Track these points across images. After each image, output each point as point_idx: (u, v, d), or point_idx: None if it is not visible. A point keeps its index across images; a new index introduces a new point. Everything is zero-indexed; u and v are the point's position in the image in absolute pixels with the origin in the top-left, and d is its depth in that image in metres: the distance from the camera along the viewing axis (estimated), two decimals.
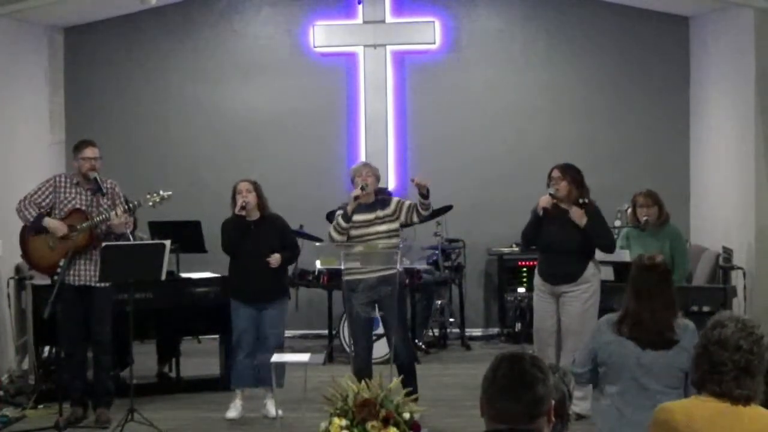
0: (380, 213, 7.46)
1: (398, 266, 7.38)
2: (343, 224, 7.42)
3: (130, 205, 7.69)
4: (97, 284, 7.53)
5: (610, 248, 7.61)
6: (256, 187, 7.80)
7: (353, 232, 7.46)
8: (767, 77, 8.73)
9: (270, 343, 7.74)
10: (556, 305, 7.47)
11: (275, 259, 7.74)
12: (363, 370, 7.19)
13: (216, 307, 8.50)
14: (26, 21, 9.57)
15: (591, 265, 7.48)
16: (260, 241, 7.74)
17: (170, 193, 7.77)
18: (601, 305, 8.01)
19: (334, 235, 7.47)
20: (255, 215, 7.78)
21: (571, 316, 7.40)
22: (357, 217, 7.46)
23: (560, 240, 7.42)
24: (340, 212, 7.54)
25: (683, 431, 3.41)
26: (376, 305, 7.43)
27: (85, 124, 10.44)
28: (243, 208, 7.66)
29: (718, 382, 3.42)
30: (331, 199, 10.35)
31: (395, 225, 7.46)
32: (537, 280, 7.64)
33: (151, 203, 7.71)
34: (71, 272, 7.50)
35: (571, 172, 7.49)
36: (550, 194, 7.43)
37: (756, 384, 3.45)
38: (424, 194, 7.36)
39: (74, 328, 7.57)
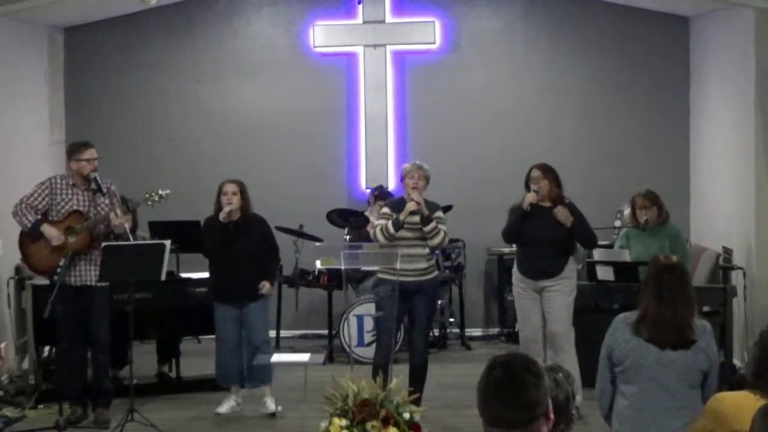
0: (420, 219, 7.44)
1: (435, 272, 7.60)
2: (392, 231, 7.38)
3: (129, 204, 7.70)
4: (96, 284, 7.53)
5: (593, 244, 7.90)
6: (242, 189, 7.83)
7: (398, 233, 7.44)
8: (767, 77, 8.73)
9: (257, 341, 7.77)
10: (540, 301, 7.57)
11: (267, 288, 7.85)
12: (384, 365, 7.19)
13: None
14: (26, 21, 9.57)
15: (570, 261, 7.65)
16: (240, 243, 7.77)
17: (168, 191, 7.78)
18: (602, 305, 8.06)
19: (380, 239, 7.45)
20: (236, 216, 7.79)
21: (555, 312, 7.54)
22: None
23: (540, 236, 7.56)
24: (386, 210, 7.55)
25: (731, 421, 3.45)
26: (405, 306, 7.43)
27: (84, 125, 10.44)
28: (226, 218, 7.69)
29: None
30: (331, 199, 10.37)
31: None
32: (516, 276, 7.75)
33: (149, 203, 7.73)
34: (71, 273, 7.50)
35: (551, 172, 7.67)
36: (534, 191, 7.56)
37: None
38: (422, 216, 7.38)
39: (72, 327, 7.57)
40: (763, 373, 3.52)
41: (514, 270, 7.78)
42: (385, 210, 7.59)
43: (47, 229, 7.50)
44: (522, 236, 7.66)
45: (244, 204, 7.82)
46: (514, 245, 10.10)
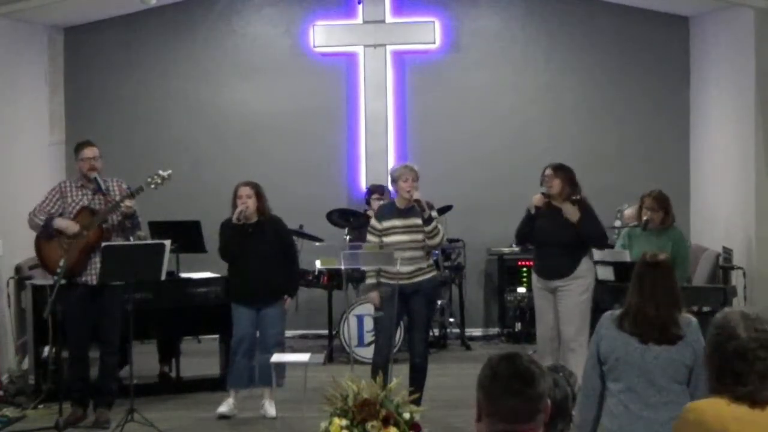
0: (417, 221, 7.40)
1: (434, 272, 7.61)
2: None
3: (133, 192, 7.66)
4: (111, 282, 7.49)
5: (600, 243, 7.83)
6: (257, 191, 7.78)
7: (386, 239, 7.44)
8: (767, 77, 8.73)
9: (270, 343, 7.77)
10: (553, 301, 7.58)
11: (288, 303, 8.00)
12: (383, 365, 7.19)
13: (216, 307, 8.50)
14: (26, 21, 9.57)
15: (584, 261, 7.62)
16: (258, 245, 7.74)
17: (170, 171, 7.76)
18: (602, 305, 8.04)
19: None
20: (253, 218, 7.77)
21: (564, 312, 7.55)
22: (388, 223, 7.44)
23: (552, 236, 7.57)
24: (374, 223, 7.59)
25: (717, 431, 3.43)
26: (403, 307, 7.44)
27: (85, 125, 10.43)
28: (241, 219, 7.67)
29: (744, 392, 3.44)
30: (332, 199, 10.37)
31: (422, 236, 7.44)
32: (533, 277, 7.82)
33: (153, 185, 7.69)
34: (88, 271, 7.48)
35: (563, 171, 7.67)
36: (543, 193, 7.57)
37: None
38: (423, 218, 7.35)
39: (84, 328, 7.56)
40: (740, 384, 3.49)
41: (533, 270, 7.83)
42: (373, 223, 7.58)
43: (60, 222, 7.50)
44: (535, 236, 7.70)
45: (260, 206, 7.78)
46: (515, 246, 10.26)
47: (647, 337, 4.71)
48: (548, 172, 7.66)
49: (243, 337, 7.81)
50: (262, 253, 7.73)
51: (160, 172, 7.70)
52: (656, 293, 4.74)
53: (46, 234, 7.53)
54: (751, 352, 3.43)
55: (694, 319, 4.84)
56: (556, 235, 7.53)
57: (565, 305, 7.55)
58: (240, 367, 7.82)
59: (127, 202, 7.51)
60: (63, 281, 7.61)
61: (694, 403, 3.58)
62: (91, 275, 7.51)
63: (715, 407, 3.48)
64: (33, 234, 7.63)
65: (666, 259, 4.91)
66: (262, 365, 7.67)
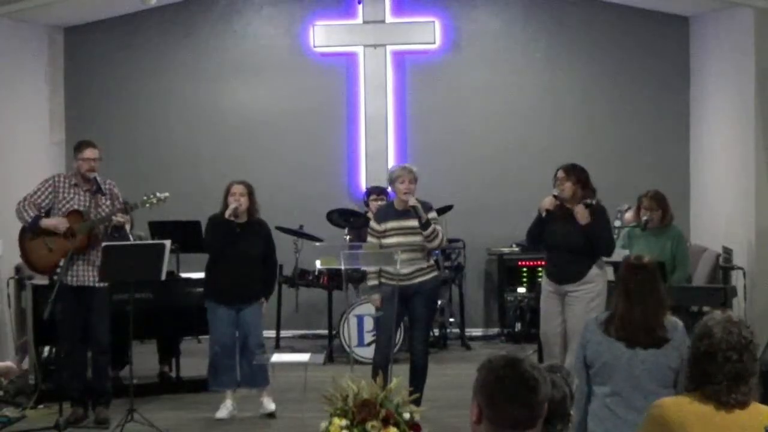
0: (414, 223, 7.38)
1: (435, 272, 7.57)
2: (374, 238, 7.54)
3: (127, 207, 7.69)
4: (95, 285, 7.52)
5: (606, 249, 7.53)
6: (250, 191, 7.81)
7: (385, 241, 7.44)
8: (767, 77, 8.74)
9: (251, 343, 7.76)
10: (562, 305, 7.48)
11: (264, 306, 7.95)
12: (383, 365, 7.19)
13: None
14: (26, 21, 9.57)
15: (596, 266, 7.46)
16: (244, 245, 7.75)
17: (167, 194, 7.78)
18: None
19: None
20: (243, 218, 7.78)
21: (574, 316, 7.40)
22: (386, 225, 7.44)
23: (564, 239, 7.39)
24: (374, 225, 7.60)
25: (676, 429, 3.43)
26: (405, 307, 7.46)
27: (84, 124, 10.45)
28: (235, 215, 7.67)
29: (711, 391, 3.45)
30: (332, 199, 10.37)
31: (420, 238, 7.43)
32: (543, 279, 7.65)
33: (147, 205, 7.72)
34: (69, 273, 7.50)
35: (576, 173, 7.46)
36: (554, 195, 7.42)
37: (750, 386, 3.47)
38: (421, 222, 7.35)
39: (72, 327, 7.57)
40: (708, 383, 3.50)
41: (543, 273, 7.73)
42: (373, 225, 7.59)
43: (48, 222, 7.50)
44: (547, 239, 7.53)
45: (251, 207, 7.81)
46: (515, 246, 10.26)
47: (634, 341, 4.70)
48: (560, 174, 7.45)
49: (223, 339, 7.79)
50: (247, 254, 7.74)
51: (158, 194, 7.72)
52: (643, 297, 4.72)
53: (30, 231, 7.55)
54: (722, 352, 3.45)
55: (680, 322, 4.83)
56: (568, 239, 7.35)
57: (574, 310, 7.37)
58: (221, 369, 7.81)
59: (120, 217, 7.54)
60: (47, 281, 7.65)
61: (660, 400, 3.60)
62: (72, 277, 7.52)
63: (679, 404, 3.50)
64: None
65: (651, 261, 4.88)
66: (253, 366, 7.67)
